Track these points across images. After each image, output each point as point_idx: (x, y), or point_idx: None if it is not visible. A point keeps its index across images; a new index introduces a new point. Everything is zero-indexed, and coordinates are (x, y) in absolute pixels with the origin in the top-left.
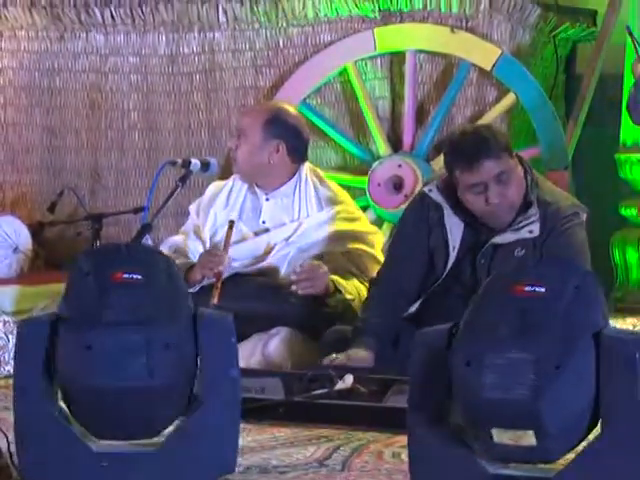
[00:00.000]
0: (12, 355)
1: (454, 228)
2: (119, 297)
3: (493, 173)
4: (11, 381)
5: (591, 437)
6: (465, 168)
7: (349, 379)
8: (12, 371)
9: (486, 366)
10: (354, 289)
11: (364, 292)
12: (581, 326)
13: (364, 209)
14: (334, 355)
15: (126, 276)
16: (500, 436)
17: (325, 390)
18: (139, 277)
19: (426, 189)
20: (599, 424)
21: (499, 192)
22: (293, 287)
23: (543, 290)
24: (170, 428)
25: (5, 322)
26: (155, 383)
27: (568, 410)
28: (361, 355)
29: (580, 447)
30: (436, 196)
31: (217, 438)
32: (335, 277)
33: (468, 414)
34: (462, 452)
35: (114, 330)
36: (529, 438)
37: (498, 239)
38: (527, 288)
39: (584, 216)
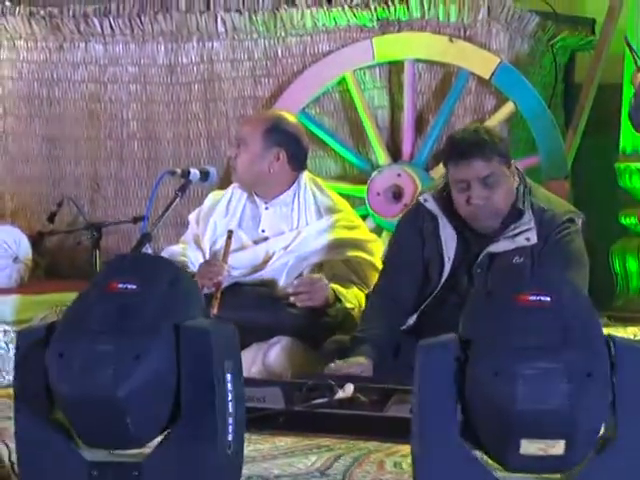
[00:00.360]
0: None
1: (449, 239)
2: (104, 307)
3: (479, 174)
4: (12, 390)
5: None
6: (452, 162)
7: (349, 388)
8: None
9: (516, 377)
10: (354, 298)
11: (364, 300)
12: (596, 334)
13: (363, 218)
14: (338, 361)
15: (120, 286)
16: (528, 447)
17: (325, 399)
18: (134, 287)
19: (421, 199)
20: (614, 430)
21: (483, 195)
22: (292, 299)
23: (548, 299)
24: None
25: (5, 332)
26: (121, 394)
27: (596, 418)
28: (360, 362)
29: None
30: (431, 206)
31: (205, 449)
32: (335, 286)
33: (496, 425)
34: (470, 462)
35: (86, 339)
36: (559, 448)
37: (493, 248)
38: (531, 297)
39: (580, 221)
